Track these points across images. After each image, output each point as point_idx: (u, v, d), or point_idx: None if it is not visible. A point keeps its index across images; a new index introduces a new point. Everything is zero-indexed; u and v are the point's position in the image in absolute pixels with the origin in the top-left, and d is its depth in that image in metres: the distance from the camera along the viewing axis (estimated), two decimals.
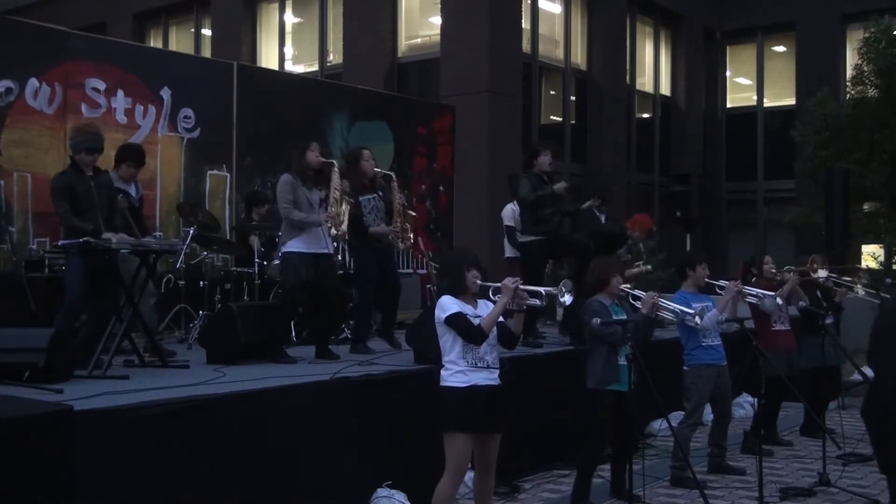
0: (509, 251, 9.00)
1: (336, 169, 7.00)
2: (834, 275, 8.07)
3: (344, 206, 6.97)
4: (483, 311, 4.75)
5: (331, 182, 6.92)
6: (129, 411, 4.53)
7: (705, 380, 6.55)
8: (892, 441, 3.85)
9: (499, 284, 4.75)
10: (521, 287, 4.73)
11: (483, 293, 4.82)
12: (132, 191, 7.17)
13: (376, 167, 7.67)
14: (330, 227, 6.85)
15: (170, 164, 9.32)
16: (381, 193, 7.60)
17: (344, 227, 6.93)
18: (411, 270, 9.49)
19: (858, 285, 8.17)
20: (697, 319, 6.22)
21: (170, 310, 8.57)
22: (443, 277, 4.90)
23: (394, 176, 7.83)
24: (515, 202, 8.53)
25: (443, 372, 4.75)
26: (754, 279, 7.60)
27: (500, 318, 4.77)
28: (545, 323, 9.36)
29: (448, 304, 4.71)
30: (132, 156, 7.17)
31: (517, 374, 5.85)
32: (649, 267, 9.74)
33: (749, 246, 18.99)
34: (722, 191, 21.71)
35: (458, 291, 4.76)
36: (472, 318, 4.69)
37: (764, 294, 7.01)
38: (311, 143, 6.97)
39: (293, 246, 6.85)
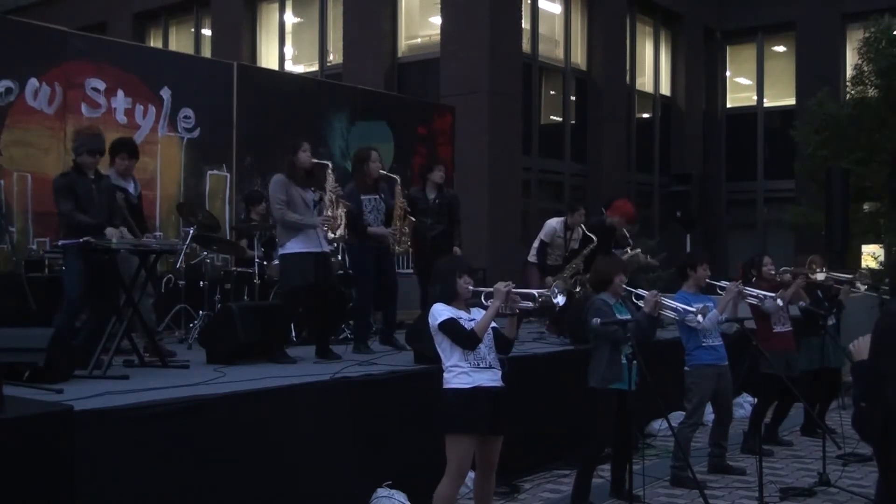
0: (532, 256, 9.14)
1: (330, 171, 6.96)
2: (833, 276, 8.05)
3: (340, 210, 6.92)
4: (476, 316, 4.76)
5: (325, 184, 6.87)
6: (129, 411, 4.53)
7: (706, 380, 6.55)
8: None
9: (490, 289, 4.76)
10: (514, 290, 4.73)
11: (475, 298, 4.82)
12: (130, 188, 7.08)
13: (382, 169, 7.67)
14: (326, 231, 6.80)
15: (170, 164, 9.32)
16: (382, 195, 7.58)
17: (341, 231, 6.89)
18: (411, 270, 9.50)
19: (859, 281, 8.14)
20: (700, 318, 6.21)
21: (170, 310, 8.57)
22: (434, 284, 4.90)
23: (398, 179, 7.83)
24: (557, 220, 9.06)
25: (446, 375, 4.73)
26: (754, 280, 7.60)
27: (494, 324, 4.77)
28: (545, 323, 9.35)
29: (440, 311, 4.71)
30: (124, 147, 7.05)
31: (517, 374, 5.85)
32: (639, 250, 9.21)
33: (749, 246, 18.96)
34: (722, 191, 21.70)
35: (450, 298, 4.77)
36: (465, 323, 4.69)
37: (765, 295, 7.01)
38: (302, 143, 6.91)
39: (291, 247, 6.78)
